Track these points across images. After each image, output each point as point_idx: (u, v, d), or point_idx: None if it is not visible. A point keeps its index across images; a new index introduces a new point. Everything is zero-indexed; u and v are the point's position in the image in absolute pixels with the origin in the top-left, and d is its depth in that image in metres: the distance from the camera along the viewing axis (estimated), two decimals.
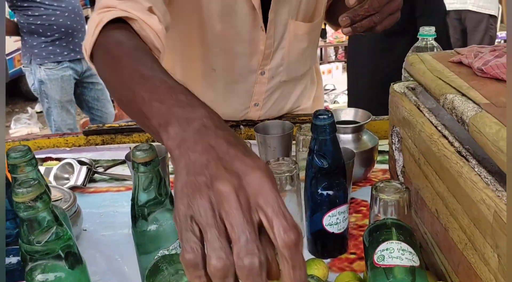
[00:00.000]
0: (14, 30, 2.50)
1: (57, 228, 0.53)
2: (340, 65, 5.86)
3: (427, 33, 0.92)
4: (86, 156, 1.14)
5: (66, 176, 1.04)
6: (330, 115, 0.67)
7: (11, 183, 0.59)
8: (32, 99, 5.25)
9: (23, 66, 2.64)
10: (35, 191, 0.51)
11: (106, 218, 0.91)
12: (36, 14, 2.43)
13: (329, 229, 0.71)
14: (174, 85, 0.49)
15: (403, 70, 0.98)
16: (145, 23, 0.67)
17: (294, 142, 0.96)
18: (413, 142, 0.71)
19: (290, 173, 0.74)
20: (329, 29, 5.94)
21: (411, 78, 0.95)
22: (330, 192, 0.69)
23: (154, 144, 0.66)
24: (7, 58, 4.80)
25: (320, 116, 0.67)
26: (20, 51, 4.98)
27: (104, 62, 0.64)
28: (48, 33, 2.47)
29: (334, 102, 4.40)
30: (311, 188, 0.70)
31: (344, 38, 5.98)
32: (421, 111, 0.69)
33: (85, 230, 0.86)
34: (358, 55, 1.80)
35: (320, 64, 5.86)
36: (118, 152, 1.15)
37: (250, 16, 0.90)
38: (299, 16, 0.95)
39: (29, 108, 4.87)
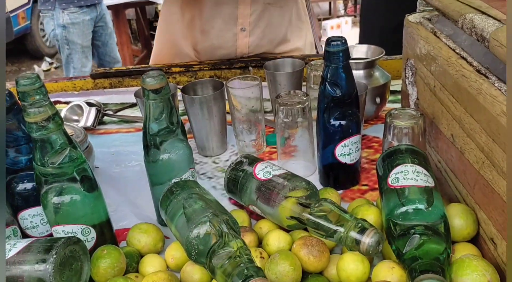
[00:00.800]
0: None
1: (71, 151, 0.53)
2: (349, 19, 5.70)
3: None
4: (94, 99, 1.14)
5: (76, 117, 1.03)
6: (343, 41, 0.65)
7: (19, 105, 0.58)
8: (38, 57, 5.22)
9: (42, 13, 2.69)
10: (47, 111, 0.51)
11: (117, 156, 0.91)
12: None
13: (342, 159, 0.70)
14: None
15: (418, 3, 0.95)
16: None
17: (304, 83, 0.94)
18: (428, 70, 0.69)
19: (302, 105, 0.73)
20: None
21: (427, 9, 0.92)
22: (343, 122, 0.68)
23: None
24: (11, 15, 4.73)
25: (333, 43, 0.64)
26: (23, 8, 4.89)
27: None
28: None
29: None
30: (323, 119, 0.69)
31: None
32: (437, 37, 0.67)
33: (97, 167, 0.87)
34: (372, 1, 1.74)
35: (329, 19, 5.69)
36: (126, 95, 1.14)
37: None
38: None
39: (35, 66, 4.84)
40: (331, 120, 0.68)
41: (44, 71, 4.84)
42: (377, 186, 0.73)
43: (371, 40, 1.84)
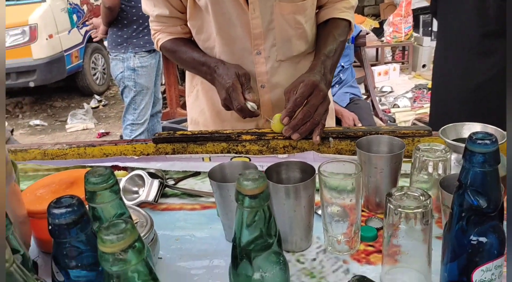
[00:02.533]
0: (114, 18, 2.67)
1: None
2: (397, 66, 5.56)
3: None
4: (154, 165, 1.03)
5: (135, 189, 0.93)
6: (494, 140, 0.51)
7: (88, 216, 0.47)
8: (87, 95, 5.35)
9: (111, 56, 2.77)
10: (128, 238, 0.38)
11: (182, 243, 0.78)
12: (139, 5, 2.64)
13: None
14: (202, 60, 1.08)
15: None
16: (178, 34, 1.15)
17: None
18: None
19: (424, 209, 0.58)
20: (386, 29, 5.65)
21: None
22: (485, 240, 0.53)
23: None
24: (65, 54, 4.89)
25: (480, 141, 0.50)
26: (77, 48, 5.06)
27: (171, 54, 1.16)
28: (146, 23, 2.69)
29: (393, 106, 4.14)
30: (457, 231, 0.54)
31: (403, 38, 5.67)
32: None
33: (161, 258, 0.74)
34: (448, 57, 1.60)
35: (376, 65, 5.57)
36: (190, 162, 1.03)
37: (236, 1, 1.00)
38: None
39: (85, 104, 4.94)
40: (471, 236, 0.53)
41: (92, 108, 4.94)
42: None
43: (446, 102, 1.69)
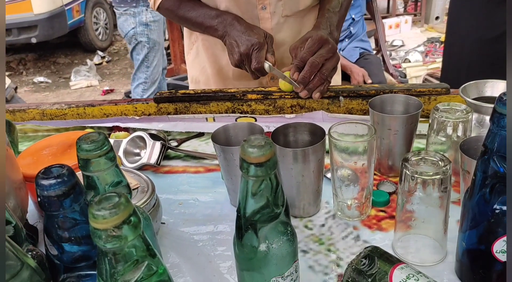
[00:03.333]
0: None
1: (150, 261, 0.38)
2: (409, 18, 5.35)
3: None
4: (157, 126, 0.99)
5: (137, 151, 0.89)
6: None
7: (80, 186, 0.43)
8: (90, 51, 5.24)
9: (119, 10, 2.57)
10: (122, 212, 0.35)
11: (185, 208, 0.76)
12: None
13: (501, 257, 0.51)
14: (214, 13, 0.99)
15: None
16: None
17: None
18: None
19: (443, 175, 0.54)
20: None
21: None
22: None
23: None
24: (66, 8, 4.75)
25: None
26: (77, 2, 4.90)
27: (172, 12, 1.05)
28: None
29: (404, 61, 4.02)
30: (479, 199, 0.51)
31: None
32: None
33: (164, 223, 0.72)
34: (466, 7, 1.50)
35: (387, 17, 5.37)
36: (193, 123, 0.99)
37: None
38: None
39: (88, 60, 4.85)
40: (495, 205, 0.49)
41: (96, 64, 4.86)
42: None
43: (462, 55, 1.61)
